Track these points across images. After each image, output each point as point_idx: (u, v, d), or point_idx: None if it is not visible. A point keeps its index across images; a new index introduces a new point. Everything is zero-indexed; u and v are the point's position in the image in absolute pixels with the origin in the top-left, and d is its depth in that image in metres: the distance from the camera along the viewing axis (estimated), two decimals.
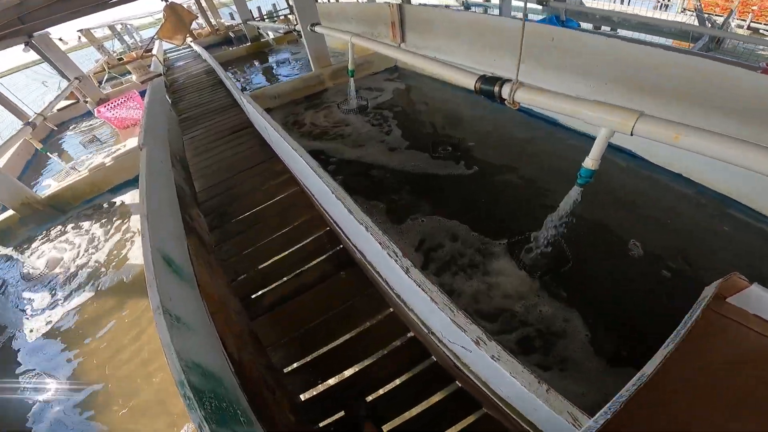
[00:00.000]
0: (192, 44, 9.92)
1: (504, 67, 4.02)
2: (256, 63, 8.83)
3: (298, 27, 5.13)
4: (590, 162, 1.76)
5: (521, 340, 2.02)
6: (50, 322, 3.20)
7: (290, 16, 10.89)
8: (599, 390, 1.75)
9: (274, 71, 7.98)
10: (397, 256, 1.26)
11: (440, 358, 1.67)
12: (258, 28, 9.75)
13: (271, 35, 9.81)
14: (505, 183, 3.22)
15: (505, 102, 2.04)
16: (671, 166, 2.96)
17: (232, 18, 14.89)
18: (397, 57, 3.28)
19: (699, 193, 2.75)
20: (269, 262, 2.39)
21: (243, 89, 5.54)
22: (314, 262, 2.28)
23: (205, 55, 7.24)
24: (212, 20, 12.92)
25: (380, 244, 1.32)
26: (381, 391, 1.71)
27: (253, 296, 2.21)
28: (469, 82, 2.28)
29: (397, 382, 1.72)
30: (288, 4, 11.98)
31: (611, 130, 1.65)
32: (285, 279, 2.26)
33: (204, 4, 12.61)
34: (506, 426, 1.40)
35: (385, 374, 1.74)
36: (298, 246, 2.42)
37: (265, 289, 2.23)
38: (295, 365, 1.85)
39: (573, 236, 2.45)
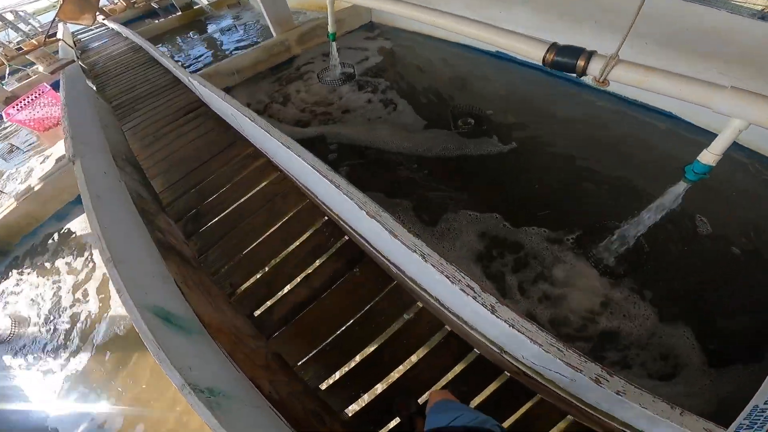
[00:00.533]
0: (106, 22, 8.47)
1: (523, 22, 3.44)
2: (194, 35, 7.58)
3: None
4: (710, 157, 1.44)
5: (612, 349, 1.83)
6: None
7: None
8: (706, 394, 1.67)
9: (218, 42, 6.86)
10: (476, 293, 1.07)
11: (492, 356, 1.55)
12: None
13: (206, 1, 8.55)
14: (548, 160, 2.80)
15: (592, 81, 1.61)
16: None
17: None
18: (413, 16, 2.21)
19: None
20: (268, 267, 2.07)
21: (184, 67, 4.71)
22: (320, 261, 2.03)
23: (126, 32, 6.18)
24: None
25: (448, 278, 1.10)
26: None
27: (258, 311, 1.95)
28: (533, 52, 1.71)
29: (449, 376, 1.62)
30: None
31: (747, 123, 1.31)
32: (292, 285, 1.94)
33: None
34: None
35: (433, 374, 1.63)
36: (297, 243, 2.13)
37: (272, 300, 1.97)
38: (331, 381, 1.70)
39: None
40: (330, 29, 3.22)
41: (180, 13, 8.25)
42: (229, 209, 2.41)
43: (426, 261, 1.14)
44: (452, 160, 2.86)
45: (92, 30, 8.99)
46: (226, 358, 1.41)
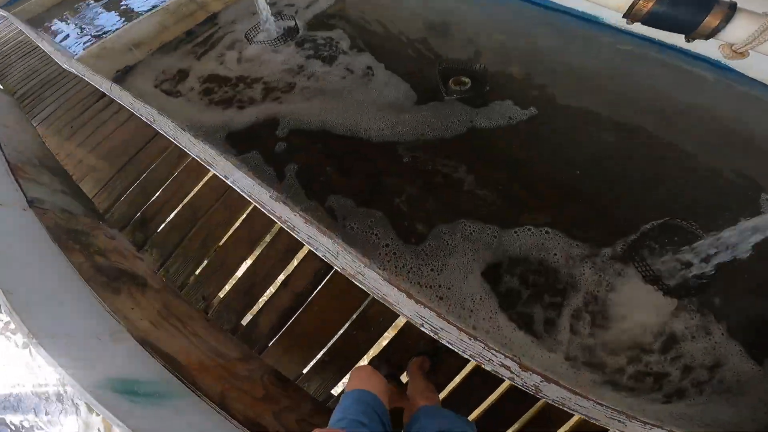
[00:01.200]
0: None
1: None
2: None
3: None
4: None
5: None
6: None
7: None
8: None
9: (123, 5, 5.43)
10: (513, 373, 0.84)
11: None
12: None
13: None
14: (575, 133, 2.02)
15: (722, 50, 1.02)
16: None
17: None
18: None
19: None
20: (240, 273, 1.76)
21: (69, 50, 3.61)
22: (296, 262, 1.75)
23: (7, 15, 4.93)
24: None
25: (476, 357, 0.88)
26: None
27: (243, 323, 1.73)
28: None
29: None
30: None
31: None
32: (273, 290, 1.65)
33: None
34: None
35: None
36: (266, 240, 1.78)
37: (255, 310, 1.73)
38: (340, 387, 1.55)
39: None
40: None
41: None
42: (179, 207, 2.03)
43: (440, 338, 0.87)
44: (443, 141, 2.03)
45: None
46: (219, 415, 1.19)
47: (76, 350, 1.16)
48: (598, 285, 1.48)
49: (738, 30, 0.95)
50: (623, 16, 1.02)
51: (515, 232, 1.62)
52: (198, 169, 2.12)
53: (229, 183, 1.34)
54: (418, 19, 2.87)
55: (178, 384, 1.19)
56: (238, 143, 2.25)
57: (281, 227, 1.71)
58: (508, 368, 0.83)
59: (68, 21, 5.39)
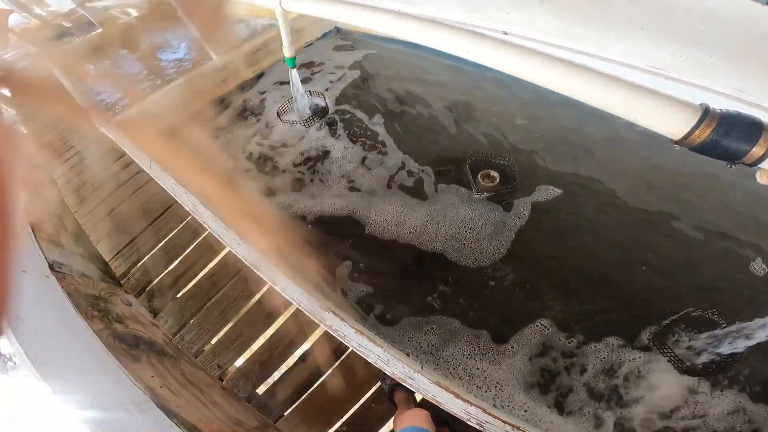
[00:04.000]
0: (22, 44, 7.04)
1: (542, 26, 2.89)
2: (123, 52, 6.52)
3: None
4: None
5: None
6: None
7: None
8: None
9: (157, 61, 5.80)
10: None
11: None
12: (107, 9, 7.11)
13: (134, 12, 7.44)
14: (600, 223, 2.15)
15: (760, 177, 1.05)
16: None
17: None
18: (400, 32, 1.58)
19: None
20: (257, 344, 1.81)
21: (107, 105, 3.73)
22: (314, 338, 1.83)
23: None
24: (39, 10, 9.44)
25: None
26: None
27: (260, 391, 1.75)
28: (668, 122, 1.09)
29: None
30: None
31: None
32: (289, 364, 1.73)
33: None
34: None
35: None
36: (285, 318, 1.88)
37: (272, 380, 1.77)
38: None
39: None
40: (286, 53, 2.45)
41: (100, 30, 7.13)
42: (199, 276, 2.12)
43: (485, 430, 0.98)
44: (480, 242, 2.06)
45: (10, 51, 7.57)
46: None
47: (110, 425, 1.18)
48: (629, 373, 1.62)
49: None
50: (673, 143, 1.09)
51: (550, 329, 1.76)
52: (215, 243, 2.20)
53: (277, 290, 1.47)
54: (440, 100, 3.01)
55: None
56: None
57: (296, 309, 1.84)
58: None
59: (101, 70, 5.74)
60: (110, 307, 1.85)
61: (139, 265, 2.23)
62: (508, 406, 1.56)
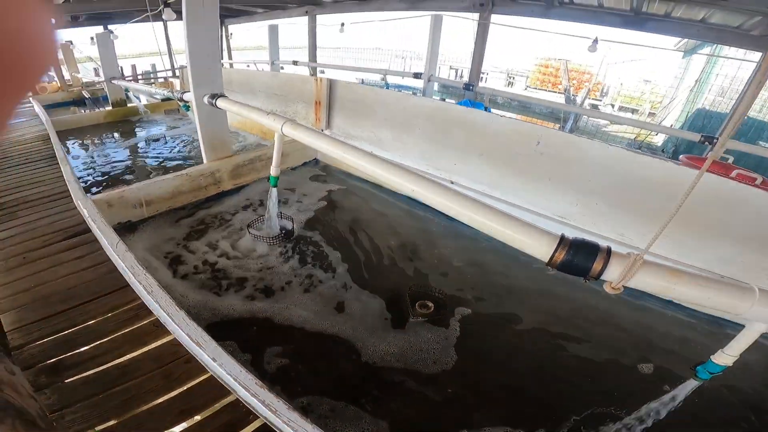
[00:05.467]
0: (32, 100, 7.03)
1: (479, 177, 3.51)
2: (117, 135, 6.52)
3: (187, 95, 3.60)
4: (726, 358, 1.35)
5: None
6: None
7: (172, 80, 9.06)
8: None
9: (142, 151, 5.78)
10: None
11: None
12: (126, 90, 7.49)
13: (143, 100, 7.65)
14: (515, 345, 2.56)
15: (606, 286, 1.37)
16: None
17: (97, 74, 10.86)
18: (385, 176, 1.97)
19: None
20: None
21: (87, 186, 3.90)
22: None
23: (42, 115, 5.33)
24: (66, 73, 9.67)
25: None
26: None
27: None
28: (536, 247, 1.45)
29: None
30: (172, 63, 9.83)
31: None
32: None
33: (60, 54, 9.54)
34: None
35: None
36: (202, 416, 1.68)
37: None
38: None
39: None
40: (273, 172, 2.81)
41: (110, 108, 7.36)
42: (109, 365, 1.89)
43: None
44: (412, 357, 2.36)
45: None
46: None
47: None
48: None
49: (614, 270, 1.29)
50: (546, 264, 1.43)
51: None
52: (146, 335, 2.07)
53: (215, 365, 1.46)
54: (395, 237, 3.54)
55: None
56: (218, 330, 2.42)
57: (227, 404, 1.70)
58: None
59: (91, 148, 5.87)
60: None
61: (38, 343, 1.98)
62: None
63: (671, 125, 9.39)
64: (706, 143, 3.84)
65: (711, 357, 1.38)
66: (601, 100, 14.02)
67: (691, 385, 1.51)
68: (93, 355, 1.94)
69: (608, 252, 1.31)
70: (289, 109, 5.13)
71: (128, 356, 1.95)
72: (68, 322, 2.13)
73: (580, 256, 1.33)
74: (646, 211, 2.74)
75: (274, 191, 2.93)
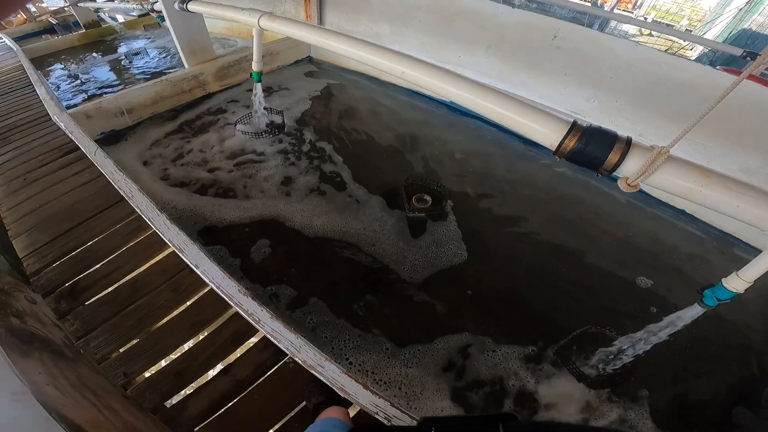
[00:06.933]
0: (1, 35, 6.88)
1: (486, 70, 3.24)
2: (97, 55, 6.03)
3: (158, 4, 3.30)
4: (739, 284, 1.18)
5: None
6: None
7: None
8: None
9: (125, 67, 5.46)
10: None
11: None
12: (98, 11, 6.98)
13: (120, 19, 7.22)
14: (517, 248, 2.43)
15: (621, 183, 1.21)
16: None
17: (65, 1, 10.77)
18: (367, 61, 1.75)
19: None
20: (175, 354, 1.64)
21: (71, 105, 3.59)
22: (240, 352, 1.69)
23: (14, 47, 5.10)
24: (31, 5, 9.26)
25: None
26: None
27: (169, 404, 1.55)
28: (544, 133, 1.28)
29: None
30: None
31: None
32: (208, 376, 1.57)
33: None
34: None
35: None
36: (211, 328, 1.77)
37: (186, 392, 1.58)
38: None
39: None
40: (254, 67, 2.72)
41: (83, 30, 6.84)
42: (119, 283, 1.94)
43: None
44: (401, 259, 2.30)
45: None
46: None
47: None
48: (535, 385, 1.76)
49: (632, 164, 1.14)
50: (553, 153, 1.29)
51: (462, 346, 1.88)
52: (150, 249, 2.09)
53: (198, 272, 1.42)
54: (391, 130, 3.35)
55: None
56: (207, 233, 2.36)
57: (230, 316, 1.75)
58: None
59: (70, 70, 5.54)
60: (11, 301, 1.65)
61: (54, 265, 2.02)
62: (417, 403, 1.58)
63: None
64: (748, 58, 3.32)
65: (722, 280, 1.24)
66: (632, 12, 13.04)
67: (694, 311, 1.38)
68: (105, 274, 1.99)
69: (628, 142, 1.15)
70: (276, 9, 4.63)
71: (137, 271, 1.99)
72: (77, 240, 2.16)
73: (594, 145, 1.16)
74: (672, 112, 2.52)
75: (258, 86, 2.86)
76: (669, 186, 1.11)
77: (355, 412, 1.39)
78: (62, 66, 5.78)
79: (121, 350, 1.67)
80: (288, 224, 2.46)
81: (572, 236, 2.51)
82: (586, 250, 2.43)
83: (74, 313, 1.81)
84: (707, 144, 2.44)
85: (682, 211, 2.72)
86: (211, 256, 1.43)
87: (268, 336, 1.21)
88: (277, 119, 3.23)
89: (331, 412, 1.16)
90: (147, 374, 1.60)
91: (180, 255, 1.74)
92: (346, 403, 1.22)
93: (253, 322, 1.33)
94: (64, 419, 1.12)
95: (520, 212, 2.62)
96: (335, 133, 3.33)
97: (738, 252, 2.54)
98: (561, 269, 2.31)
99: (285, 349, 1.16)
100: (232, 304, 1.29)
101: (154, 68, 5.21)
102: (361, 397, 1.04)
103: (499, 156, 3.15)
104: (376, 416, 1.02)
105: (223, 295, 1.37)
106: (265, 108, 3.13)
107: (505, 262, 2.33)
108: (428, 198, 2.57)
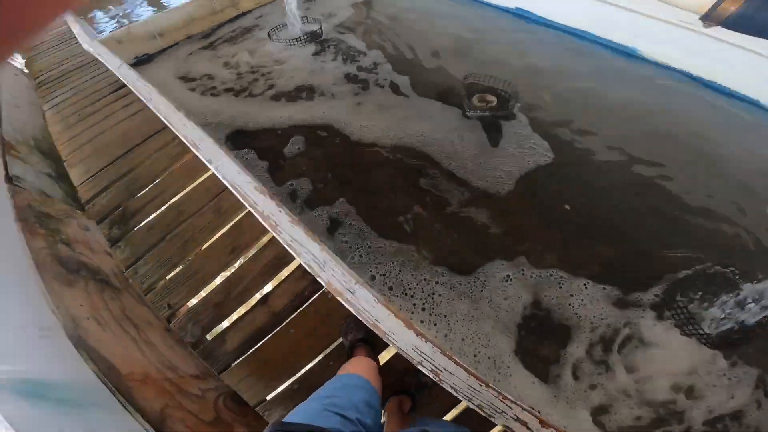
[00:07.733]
0: None
1: None
2: None
3: None
4: None
5: None
6: None
7: None
8: None
9: (163, 4, 5.34)
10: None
11: None
12: None
13: None
14: (605, 169, 1.87)
15: None
16: None
17: None
18: None
19: None
20: (216, 282, 1.57)
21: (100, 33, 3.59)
22: (278, 281, 1.56)
23: None
24: None
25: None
26: None
27: (208, 338, 1.50)
28: None
29: None
30: None
31: None
32: (247, 307, 1.47)
33: None
34: None
35: None
36: (248, 255, 1.65)
37: (224, 326, 1.51)
38: None
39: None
40: None
41: None
42: (165, 206, 1.89)
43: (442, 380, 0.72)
44: (461, 166, 1.87)
45: None
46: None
47: None
48: (630, 335, 1.30)
49: None
50: (700, 18, 0.87)
51: (538, 275, 1.46)
52: (194, 170, 2.02)
53: (211, 168, 1.22)
54: (443, 38, 2.83)
55: (107, 394, 0.97)
56: (239, 138, 2.19)
57: (269, 240, 1.58)
58: (524, 424, 0.64)
59: (109, 12, 5.62)
60: (62, 228, 1.66)
61: (106, 191, 2.04)
62: (476, 356, 1.25)
63: None
64: None
65: None
66: None
67: None
68: (152, 197, 1.95)
69: None
70: None
71: (182, 193, 1.93)
72: (127, 166, 2.16)
73: None
74: None
75: None
76: None
77: (390, 356, 1.19)
78: (103, 12, 5.72)
79: (167, 277, 1.64)
80: (334, 130, 2.15)
81: (673, 165, 1.85)
82: (696, 172, 1.82)
83: (125, 240, 1.81)
84: None
85: None
86: (249, 173, 1.20)
87: (287, 247, 0.98)
88: (315, 27, 2.91)
89: (358, 364, 0.95)
90: (190, 304, 1.56)
91: (217, 175, 1.59)
92: (384, 345, 1.01)
93: (270, 228, 1.08)
94: (94, 355, 1.08)
95: (604, 131, 2.02)
96: (381, 40, 2.78)
97: None
98: (662, 193, 1.75)
99: (306, 265, 0.93)
100: (249, 208, 1.09)
101: None
102: (401, 339, 0.79)
103: (584, 65, 2.46)
104: (419, 366, 0.77)
105: (239, 196, 1.15)
106: (301, 16, 2.77)
107: (583, 185, 1.80)
108: (492, 98, 2.09)
